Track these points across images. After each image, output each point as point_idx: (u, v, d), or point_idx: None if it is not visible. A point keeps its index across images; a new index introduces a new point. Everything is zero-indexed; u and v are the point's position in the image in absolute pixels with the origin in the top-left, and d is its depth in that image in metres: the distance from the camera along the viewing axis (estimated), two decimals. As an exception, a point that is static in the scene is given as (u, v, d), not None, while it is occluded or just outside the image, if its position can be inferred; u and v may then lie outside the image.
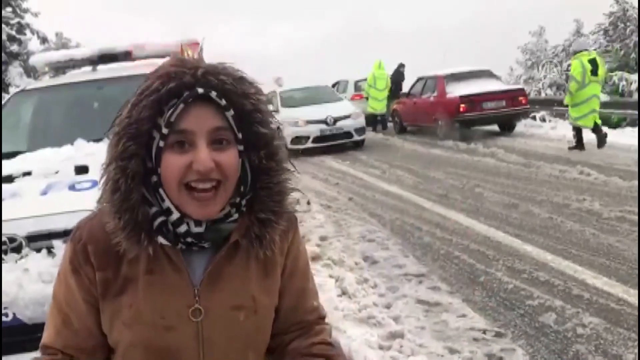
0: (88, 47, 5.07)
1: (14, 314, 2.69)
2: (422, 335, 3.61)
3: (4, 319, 2.69)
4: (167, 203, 1.06)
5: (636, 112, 12.04)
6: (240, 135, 1.06)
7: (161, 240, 1.06)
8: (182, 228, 1.06)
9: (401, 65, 17.81)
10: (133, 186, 1.03)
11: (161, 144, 1.02)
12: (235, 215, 1.10)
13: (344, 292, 4.33)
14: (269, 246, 1.11)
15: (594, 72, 9.75)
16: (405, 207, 7.13)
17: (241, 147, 1.07)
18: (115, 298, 1.09)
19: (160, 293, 1.08)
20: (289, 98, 14.24)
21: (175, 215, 1.05)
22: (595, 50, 10.45)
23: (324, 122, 12.89)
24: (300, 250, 1.24)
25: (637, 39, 17.92)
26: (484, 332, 3.64)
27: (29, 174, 3.37)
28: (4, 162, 3.51)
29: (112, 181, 1.04)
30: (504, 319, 3.82)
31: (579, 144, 10.05)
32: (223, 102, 1.03)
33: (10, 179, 3.30)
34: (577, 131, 10.11)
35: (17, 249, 2.80)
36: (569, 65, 21.03)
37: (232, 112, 1.04)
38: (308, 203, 7.45)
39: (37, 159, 3.57)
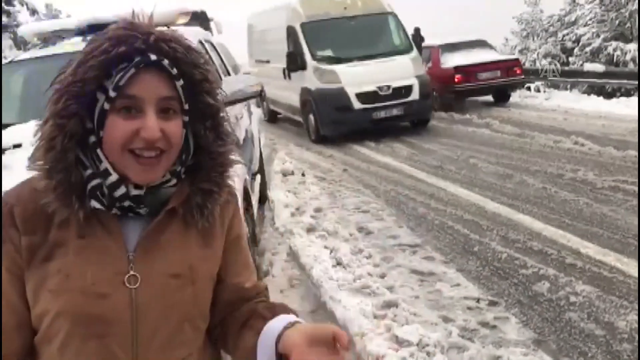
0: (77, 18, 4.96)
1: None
2: (416, 305, 3.64)
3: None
4: (105, 164, 1.02)
5: (630, 82, 12.00)
6: (187, 106, 1.05)
7: (94, 204, 1.02)
8: (120, 191, 1.02)
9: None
10: (69, 146, 1.00)
11: (106, 106, 0.99)
12: (173, 181, 1.08)
13: (338, 263, 4.34)
14: (209, 217, 1.11)
15: None
16: (400, 179, 7.13)
17: (186, 118, 1.06)
18: (42, 264, 1.03)
19: (92, 258, 1.03)
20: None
21: (114, 177, 1.02)
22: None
23: None
24: (241, 226, 1.24)
25: (632, 7, 17.77)
26: (478, 300, 3.67)
27: (19, 146, 3.32)
28: None
29: (48, 139, 1.00)
30: (498, 287, 3.85)
31: None
32: (174, 70, 1.01)
33: (0, 151, 3.25)
34: None
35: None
36: (565, 35, 20.85)
37: (181, 82, 1.03)
38: (303, 175, 7.44)
39: (27, 131, 3.52)
